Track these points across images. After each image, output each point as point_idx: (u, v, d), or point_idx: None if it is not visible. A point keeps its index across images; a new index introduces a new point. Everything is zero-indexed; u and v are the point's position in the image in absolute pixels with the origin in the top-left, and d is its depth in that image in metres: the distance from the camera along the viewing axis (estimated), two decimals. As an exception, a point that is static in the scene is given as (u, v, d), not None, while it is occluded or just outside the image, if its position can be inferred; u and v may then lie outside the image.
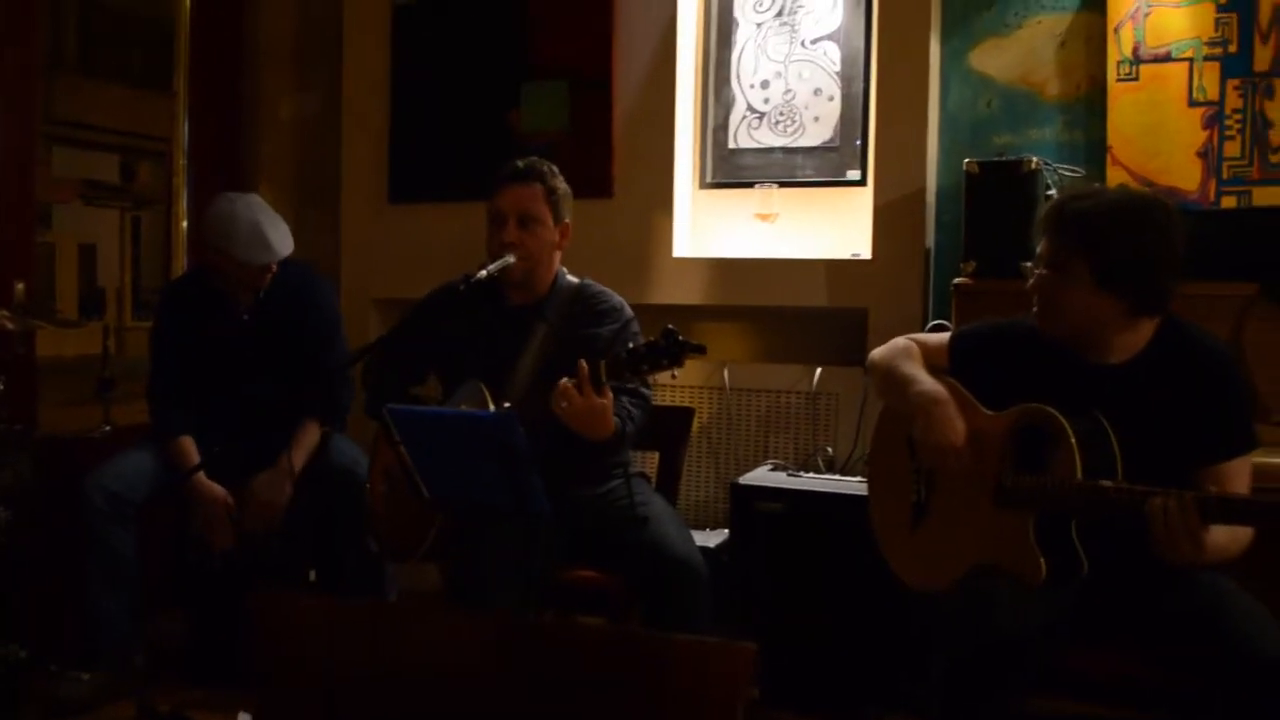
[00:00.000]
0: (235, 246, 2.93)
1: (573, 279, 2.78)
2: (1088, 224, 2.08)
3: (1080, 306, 2.10)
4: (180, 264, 3.88)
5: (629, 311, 2.73)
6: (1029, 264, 2.72)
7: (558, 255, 2.76)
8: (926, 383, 2.28)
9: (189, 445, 3.02)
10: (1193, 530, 1.89)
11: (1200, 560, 1.95)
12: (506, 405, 2.50)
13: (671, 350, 2.21)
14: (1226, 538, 1.97)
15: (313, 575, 2.93)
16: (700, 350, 2.20)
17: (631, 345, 2.29)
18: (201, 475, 2.96)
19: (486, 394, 2.54)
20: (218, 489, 2.97)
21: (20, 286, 3.28)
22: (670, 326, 2.22)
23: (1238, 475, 2.09)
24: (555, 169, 2.74)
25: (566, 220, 2.74)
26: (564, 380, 2.34)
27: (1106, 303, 2.09)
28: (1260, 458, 2.21)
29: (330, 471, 3.02)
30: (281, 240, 2.98)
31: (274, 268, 3.02)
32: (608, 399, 2.36)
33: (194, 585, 3.22)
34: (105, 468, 2.92)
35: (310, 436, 3.04)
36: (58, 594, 3.04)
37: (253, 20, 4.29)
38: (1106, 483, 2.01)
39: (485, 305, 2.72)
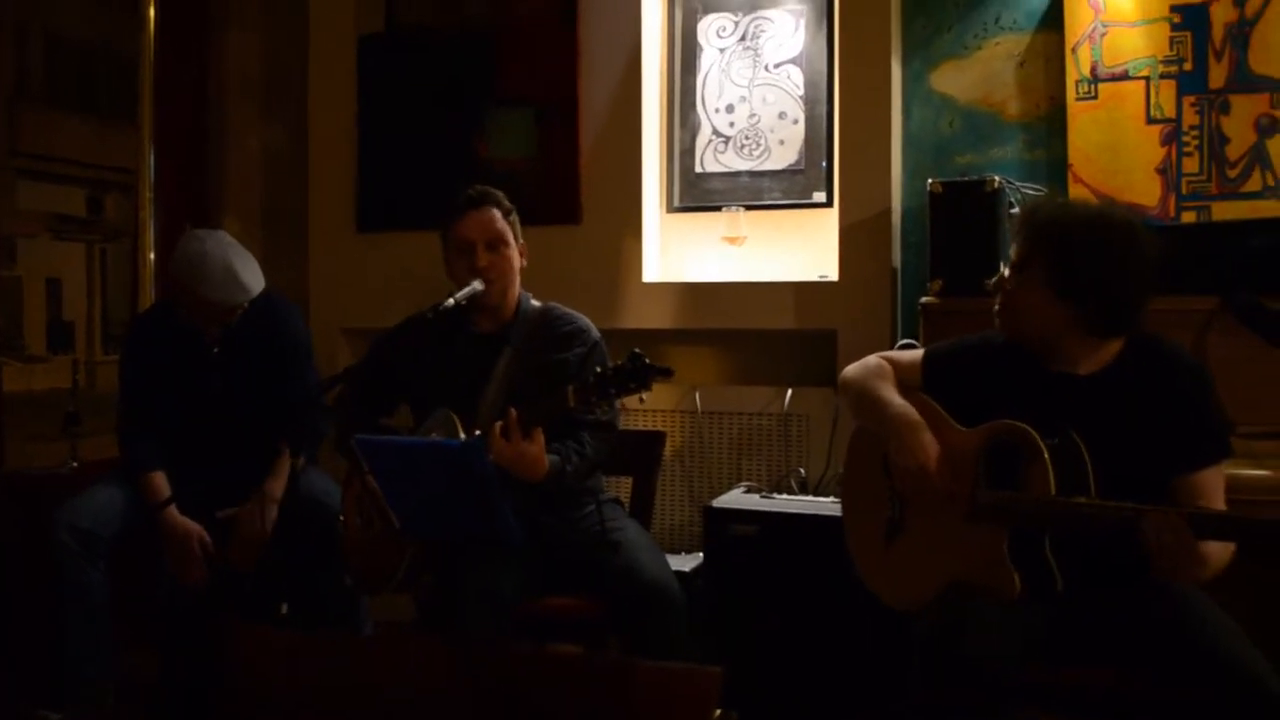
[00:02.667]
0: (207, 287, 2.90)
1: (536, 303, 2.78)
2: (1056, 230, 2.10)
3: (1036, 310, 2.11)
4: (148, 296, 3.86)
5: (596, 333, 2.73)
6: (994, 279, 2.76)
7: (518, 277, 2.78)
8: (898, 404, 2.28)
9: (160, 480, 2.97)
10: (1190, 548, 1.90)
11: (1203, 577, 1.97)
12: (477, 433, 2.49)
13: (638, 374, 2.21)
14: (1218, 550, 1.98)
15: (285, 608, 2.90)
16: (667, 373, 2.20)
17: (599, 370, 2.29)
18: (173, 510, 2.92)
19: (457, 422, 2.53)
20: (190, 523, 2.93)
21: (-15, 322, 3.26)
22: (636, 350, 2.22)
23: (1212, 484, 2.10)
24: (500, 192, 2.78)
25: (521, 241, 2.77)
26: (495, 425, 2.36)
27: (1063, 311, 2.09)
28: (1229, 469, 2.23)
29: (302, 503, 2.99)
30: (253, 278, 2.96)
31: (245, 305, 3.01)
32: (537, 444, 2.37)
33: (165, 621, 3.18)
34: (74, 503, 2.87)
35: (286, 465, 3.01)
36: (27, 632, 3.00)
37: (218, 52, 4.29)
38: (1081, 499, 2.02)
39: (451, 333, 2.72)
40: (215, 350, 3.07)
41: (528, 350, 2.67)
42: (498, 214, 2.71)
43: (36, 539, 2.84)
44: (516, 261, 2.73)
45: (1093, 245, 2.07)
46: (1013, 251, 2.18)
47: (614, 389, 2.25)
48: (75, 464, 3.41)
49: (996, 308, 2.21)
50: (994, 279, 2.22)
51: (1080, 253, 2.07)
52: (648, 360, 2.20)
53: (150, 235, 3.92)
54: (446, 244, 2.74)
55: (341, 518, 2.74)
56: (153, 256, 3.93)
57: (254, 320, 3.07)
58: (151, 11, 3.93)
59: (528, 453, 2.36)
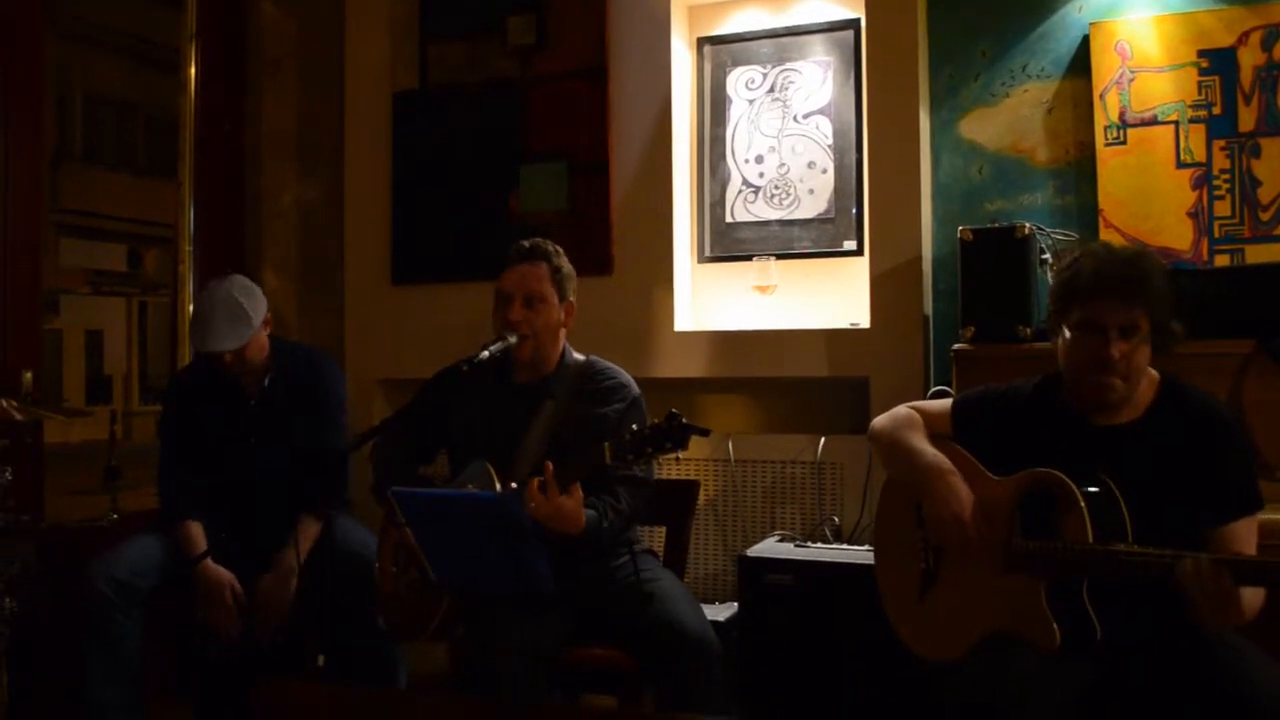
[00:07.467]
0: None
1: (579, 356, 2.79)
2: (1147, 282, 2.08)
3: (1146, 365, 2.13)
4: (186, 349, 3.92)
5: (635, 390, 2.73)
6: (1028, 329, 2.76)
7: (563, 333, 2.77)
8: (930, 454, 2.27)
9: (197, 530, 3.00)
10: (1229, 594, 1.88)
11: (1240, 623, 1.95)
12: (513, 485, 2.50)
13: (675, 433, 2.22)
14: (1251, 595, 1.96)
15: (321, 660, 2.91)
16: (704, 433, 2.22)
17: (635, 427, 2.29)
18: (209, 561, 2.95)
19: (493, 474, 2.54)
20: (224, 573, 2.95)
21: (28, 376, 3.31)
22: (674, 410, 2.24)
23: (1247, 535, 2.08)
24: (559, 249, 2.78)
25: (571, 299, 2.76)
26: (533, 480, 2.37)
27: (1149, 353, 2.11)
28: (1265, 515, 2.21)
29: (337, 555, 3.01)
30: (227, 333, 2.95)
31: (228, 358, 2.99)
32: (575, 498, 2.38)
33: (199, 673, 3.18)
34: (112, 555, 2.89)
35: (311, 529, 3.01)
36: (64, 685, 3.02)
37: (256, 110, 4.37)
38: (1120, 546, 2.00)
39: (493, 384, 2.73)
40: (252, 403, 3.11)
41: (568, 403, 2.68)
42: (545, 270, 2.71)
43: (76, 593, 2.86)
44: (555, 320, 2.71)
45: (1160, 280, 2.10)
46: (1095, 314, 2.09)
47: (650, 447, 2.26)
48: (115, 516, 3.45)
49: (1123, 379, 2.09)
50: (1117, 357, 2.07)
51: (1160, 293, 2.09)
52: (685, 420, 2.21)
53: (189, 289, 3.99)
54: (495, 291, 2.74)
55: (378, 565, 2.75)
56: (191, 309, 3.99)
57: (292, 374, 3.11)
58: (192, 71, 4.03)
59: (565, 507, 2.37)
